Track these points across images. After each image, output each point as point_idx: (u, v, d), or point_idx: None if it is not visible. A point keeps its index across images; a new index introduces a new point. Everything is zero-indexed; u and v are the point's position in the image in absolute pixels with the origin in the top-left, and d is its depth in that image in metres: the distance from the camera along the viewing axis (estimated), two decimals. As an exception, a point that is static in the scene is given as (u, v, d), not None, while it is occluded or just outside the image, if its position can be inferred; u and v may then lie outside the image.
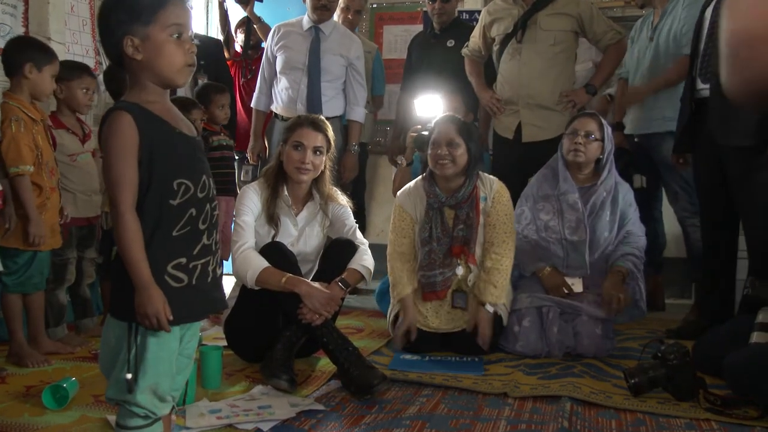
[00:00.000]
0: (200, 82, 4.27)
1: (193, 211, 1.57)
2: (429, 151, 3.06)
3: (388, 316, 3.20)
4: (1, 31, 3.38)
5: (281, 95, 4.08)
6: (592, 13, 3.72)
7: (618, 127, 3.90)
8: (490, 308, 2.96)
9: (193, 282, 1.58)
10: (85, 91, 3.12)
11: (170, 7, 1.55)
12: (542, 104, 3.73)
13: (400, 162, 3.96)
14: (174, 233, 1.55)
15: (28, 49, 2.78)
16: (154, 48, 1.54)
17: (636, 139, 3.86)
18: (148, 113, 1.55)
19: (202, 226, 1.59)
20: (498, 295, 2.98)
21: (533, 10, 3.72)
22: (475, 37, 4.02)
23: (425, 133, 3.55)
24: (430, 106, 3.66)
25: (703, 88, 3.11)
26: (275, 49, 4.11)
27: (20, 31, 3.50)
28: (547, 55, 3.72)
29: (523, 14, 3.74)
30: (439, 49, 4.27)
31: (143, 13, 1.52)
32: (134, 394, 1.52)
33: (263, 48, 4.38)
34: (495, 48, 3.91)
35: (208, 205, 1.61)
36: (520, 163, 3.67)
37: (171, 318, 1.51)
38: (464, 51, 4.10)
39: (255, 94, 4.26)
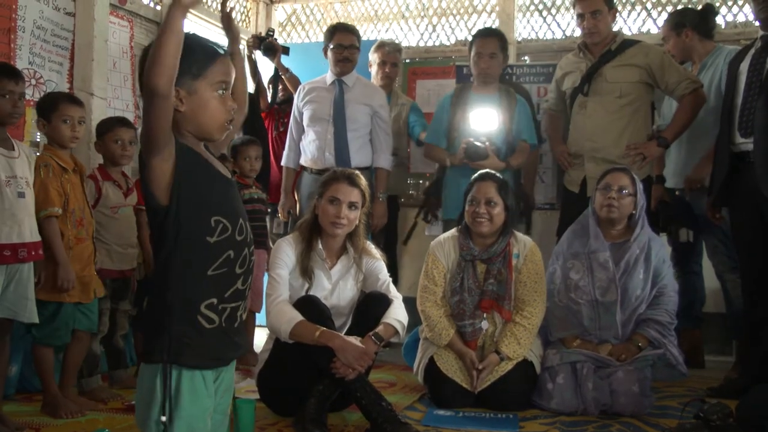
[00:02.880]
0: (234, 135, 4.32)
1: (232, 253, 1.58)
2: (466, 208, 3.09)
3: (415, 368, 3.18)
4: (48, 87, 3.50)
5: (309, 147, 4.08)
6: (663, 63, 3.61)
7: (659, 180, 3.85)
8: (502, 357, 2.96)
9: (223, 324, 1.58)
10: (118, 142, 3.18)
11: (219, 64, 1.58)
12: (606, 158, 3.61)
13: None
14: (209, 272, 1.55)
15: (38, 109, 2.91)
16: (200, 102, 1.56)
17: (677, 193, 3.82)
18: (191, 149, 1.58)
19: (239, 270, 1.60)
20: (516, 352, 2.96)
21: (600, 63, 3.69)
22: (552, 92, 4.08)
23: (478, 143, 3.58)
24: (484, 121, 3.68)
25: (743, 142, 3.07)
26: (302, 105, 4.16)
27: (64, 87, 3.62)
28: (612, 107, 3.65)
29: (590, 67, 3.72)
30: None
31: (194, 66, 1.54)
32: None
33: (295, 100, 4.43)
34: (567, 102, 3.92)
35: (246, 250, 1.62)
36: None
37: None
38: (544, 106, 4.17)
39: (285, 152, 4.26)
